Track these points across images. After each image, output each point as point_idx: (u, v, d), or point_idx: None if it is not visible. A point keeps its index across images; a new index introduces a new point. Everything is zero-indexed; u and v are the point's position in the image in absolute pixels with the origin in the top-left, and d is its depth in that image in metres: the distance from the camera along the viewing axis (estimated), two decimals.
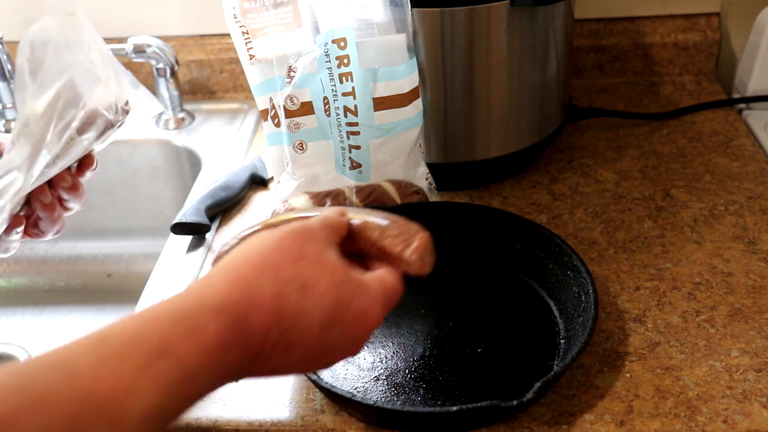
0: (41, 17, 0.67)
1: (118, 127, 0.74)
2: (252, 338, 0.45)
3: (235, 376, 0.46)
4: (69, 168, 0.72)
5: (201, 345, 0.42)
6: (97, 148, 0.74)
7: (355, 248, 0.58)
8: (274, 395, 0.71)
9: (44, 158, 0.67)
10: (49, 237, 0.74)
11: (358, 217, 0.58)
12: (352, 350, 0.52)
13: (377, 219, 0.57)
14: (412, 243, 0.56)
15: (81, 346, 0.39)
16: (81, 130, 0.70)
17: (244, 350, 0.45)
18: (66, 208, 0.73)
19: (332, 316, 0.49)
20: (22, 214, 0.71)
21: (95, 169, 0.74)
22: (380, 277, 0.54)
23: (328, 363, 0.52)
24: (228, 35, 0.85)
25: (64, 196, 0.72)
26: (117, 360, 0.39)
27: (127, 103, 0.74)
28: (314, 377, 0.66)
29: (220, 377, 0.44)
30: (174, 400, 0.40)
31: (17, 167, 0.66)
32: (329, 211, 0.57)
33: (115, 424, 0.37)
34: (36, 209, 0.70)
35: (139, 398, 0.38)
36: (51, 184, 0.71)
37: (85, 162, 0.73)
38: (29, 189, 0.68)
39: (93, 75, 0.70)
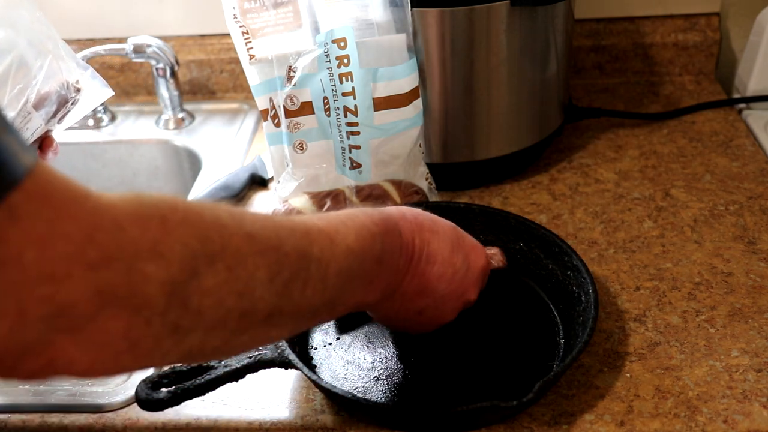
0: None
1: (72, 104, 0.78)
2: (404, 238, 0.59)
3: (396, 274, 0.59)
4: None
5: (371, 221, 0.57)
6: (57, 129, 0.77)
7: None
8: (274, 395, 0.71)
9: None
10: None
11: None
12: (471, 283, 0.65)
13: None
14: (494, 255, 0.75)
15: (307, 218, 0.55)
16: (37, 106, 0.73)
17: (398, 241, 0.59)
18: None
19: (455, 241, 0.63)
20: None
21: (56, 150, 0.79)
22: None
23: (456, 290, 0.64)
24: (228, 35, 0.85)
25: None
26: (327, 218, 0.55)
27: (77, 82, 0.77)
28: (314, 377, 0.66)
29: (386, 255, 0.57)
30: (364, 247, 0.54)
31: None
32: None
33: (331, 243, 0.52)
34: None
35: (344, 234, 0.53)
36: None
37: (45, 143, 0.78)
38: None
39: (40, 45, 0.73)
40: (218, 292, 0.43)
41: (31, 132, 0.74)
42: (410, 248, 0.60)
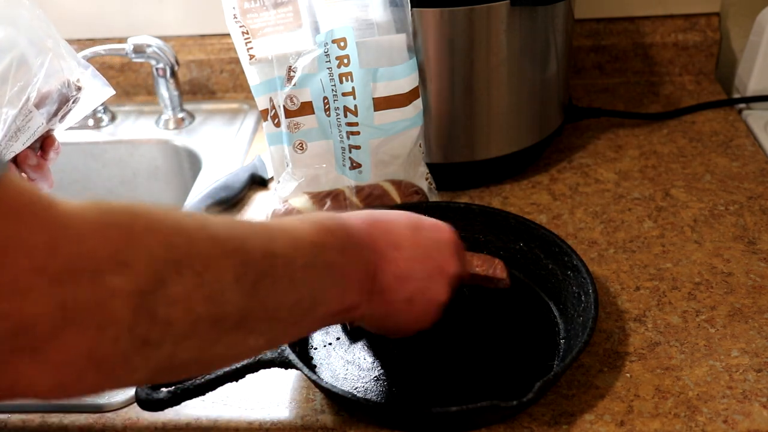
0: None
1: (73, 103, 0.78)
2: (358, 231, 0.58)
3: (366, 266, 0.58)
4: (33, 149, 0.76)
5: (322, 218, 0.57)
6: (58, 128, 0.77)
7: None
8: (274, 395, 0.71)
9: (3, 122, 0.71)
10: None
11: None
12: (447, 255, 0.63)
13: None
14: (497, 265, 0.75)
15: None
16: (38, 105, 0.73)
17: (354, 234, 0.58)
18: None
19: (413, 224, 0.63)
20: None
21: (58, 150, 0.79)
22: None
23: (435, 267, 0.62)
24: (228, 35, 0.85)
25: (31, 175, 0.76)
26: (282, 220, 0.60)
27: (78, 80, 0.78)
28: (314, 377, 0.66)
29: (348, 247, 0.57)
30: (323, 240, 0.54)
31: None
32: None
33: (292, 239, 0.52)
34: None
35: (302, 230, 0.53)
36: (16, 163, 0.74)
37: (47, 143, 0.78)
38: None
39: (40, 44, 0.74)
40: (187, 299, 0.42)
41: (32, 131, 0.75)
42: (370, 240, 0.59)
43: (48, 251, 0.36)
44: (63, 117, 0.78)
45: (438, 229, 0.65)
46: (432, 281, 0.63)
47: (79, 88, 0.78)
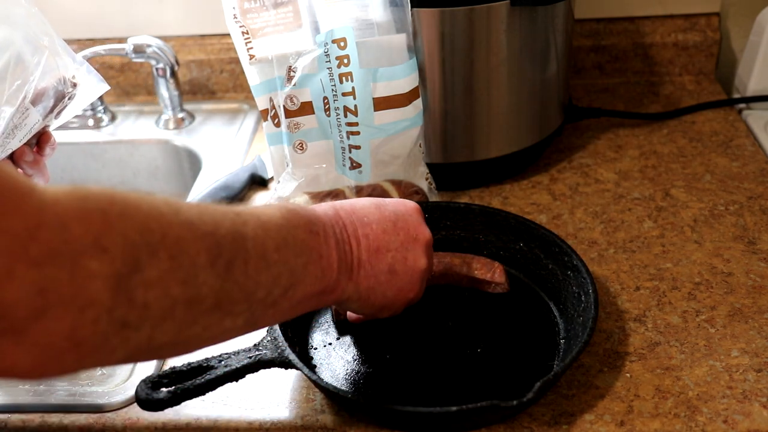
0: None
1: (69, 99, 0.79)
2: (323, 213, 0.60)
3: (338, 245, 0.59)
4: (29, 145, 0.77)
5: (285, 203, 0.59)
6: (54, 124, 0.78)
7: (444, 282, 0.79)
8: (274, 395, 0.71)
9: (2, 119, 0.72)
10: None
11: (445, 259, 0.79)
12: (416, 224, 0.66)
13: (461, 258, 0.79)
14: (496, 269, 0.79)
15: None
16: (34, 102, 0.75)
17: (320, 215, 0.59)
18: None
19: (376, 201, 0.65)
20: None
21: (53, 146, 0.80)
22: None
23: (407, 236, 0.64)
24: (228, 35, 0.85)
25: (28, 171, 0.77)
26: (249, 206, 0.55)
27: (74, 77, 0.79)
28: (314, 377, 0.66)
29: (316, 226, 0.58)
30: (291, 220, 0.56)
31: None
32: None
33: (261, 222, 0.53)
34: None
35: (270, 213, 0.55)
36: (13, 160, 0.76)
37: (43, 139, 0.79)
38: None
39: (36, 41, 0.75)
40: (162, 282, 0.44)
41: (29, 128, 0.75)
42: (338, 219, 0.61)
43: (28, 236, 0.37)
44: (59, 113, 0.79)
45: (401, 202, 0.67)
46: (408, 250, 0.64)
47: (74, 85, 0.79)
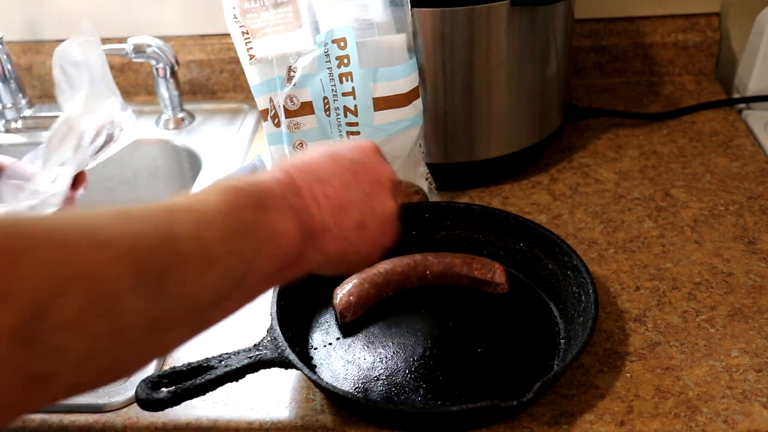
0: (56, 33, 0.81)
1: (113, 142, 0.82)
2: (273, 178, 0.55)
3: (298, 212, 0.54)
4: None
5: (228, 182, 0.53)
6: (92, 163, 0.81)
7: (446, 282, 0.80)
8: (274, 395, 0.71)
9: (83, 152, 0.76)
10: None
11: (445, 259, 0.80)
12: (376, 164, 0.60)
13: (461, 259, 0.80)
14: (496, 269, 0.79)
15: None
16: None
17: (268, 182, 0.54)
18: None
19: (329, 150, 0.60)
20: None
21: (86, 186, 0.81)
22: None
23: (369, 182, 0.59)
24: (228, 35, 0.85)
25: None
26: (185, 196, 0.51)
27: (121, 122, 0.83)
28: (314, 377, 0.66)
29: (266, 200, 0.53)
30: (233, 202, 0.50)
31: (66, 161, 0.76)
32: None
33: (196, 214, 0.48)
34: None
35: (206, 200, 0.50)
36: None
37: (79, 178, 0.80)
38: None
39: (106, 89, 0.80)
40: (79, 321, 0.38)
41: (77, 164, 0.78)
42: (291, 183, 0.55)
43: None
44: (100, 155, 0.82)
45: (355, 146, 0.62)
46: (374, 198, 0.59)
47: (122, 129, 0.82)
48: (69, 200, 0.78)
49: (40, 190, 0.75)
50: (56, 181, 0.75)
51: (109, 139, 0.80)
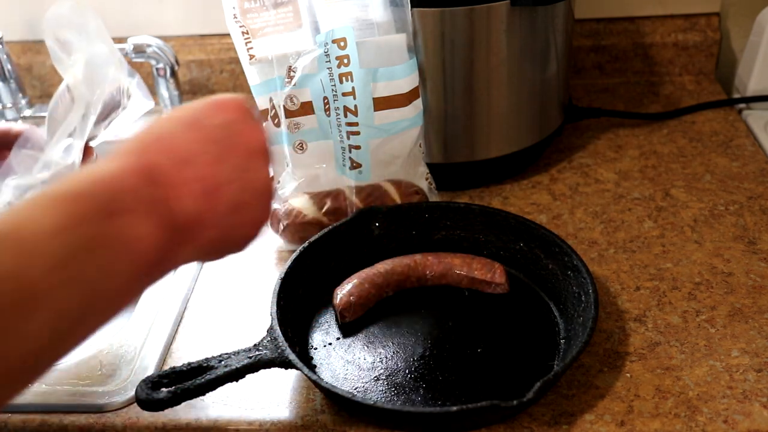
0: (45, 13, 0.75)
1: (121, 110, 0.77)
2: (119, 178, 0.46)
3: (156, 204, 0.46)
4: None
5: (70, 186, 0.44)
6: (101, 135, 0.77)
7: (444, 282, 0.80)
8: (274, 395, 0.71)
9: (91, 121, 0.71)
10: None
11: (445, 259, 0.80)
12: (240, 132, 0.51)
13: (461, 259, 0.80)
14: (496, 270, 0.79)
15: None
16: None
17: (120, 174, 0.46)
18: None
19: (190, 119, 0.51)
20: None
21: (96, 161, 0.75)
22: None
23: (237, 148, 0.51)
24: (228, 35, 0.85)
25: None
26: (17, 210, 0.42)
27: (128, 88, 0.78)
28: (314, 377, 0.66)
29: (116, 202, 0.44)
30: (73, 213, 0.42)
31: (75, 131, 0.72)
32: None
33: (20, 242, 0.40)
34: None
35: (40, 220, 0.41)
36: None
37: (86, 153, 0.75)
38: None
39: (109, 54, 0.75)
40: None
41: (88, 133, 0.74)
42: (148, 172, 0.47)
43: None
44: (108, 123, 0.78)
45: (218, 105, 0.52)
46: (247, 170, 0.51)
47: (129, 96, 0.78)
48: None
49: (52, 161, 0.71)
50: (68, 151, 0.72)
51: (116, 106, 0.76)
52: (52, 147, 0.72)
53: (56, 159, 0.71)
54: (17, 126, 0.74)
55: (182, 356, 0.75)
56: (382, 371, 0.71)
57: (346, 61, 0.80)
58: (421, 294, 0.80)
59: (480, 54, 0.88)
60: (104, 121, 0.77)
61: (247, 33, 0.84)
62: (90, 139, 0.76)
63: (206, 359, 0.66)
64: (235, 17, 0.84)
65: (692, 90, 1.17)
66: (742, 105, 1.12)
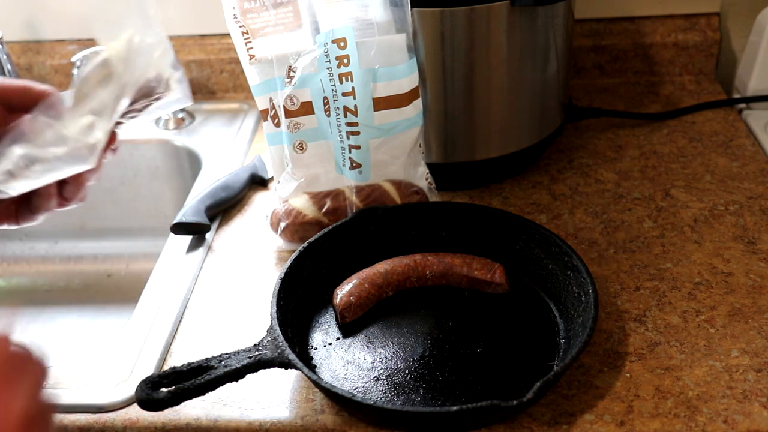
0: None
1: (154, 99, 0.71)
2: None
3: None
4: None
5: None
6: (127, 122, 0.70)
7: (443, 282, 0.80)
8: (274, 395, 0.71)
9: (123, 104, 0.65)
10: (74, 204, 0.68)
11: (445, 259, 0.80)
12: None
13: (461, 259, 0.80)
14: (496, 270, 0.79)
15: None
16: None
17: None
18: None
19: None
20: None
21: (116, 149, 0.69)
22: None
23: None
24: (228, 35, 0.85)
25: (87, 174, 0.67)
26: None
27: (169, 79, 0.72)
28: (314, 377, 0.66)
29: None
30: None
31: (104, 109, 0.65)
32: None
33: None
34: None
35: None
36: None
37: (110, 139, 0.68)
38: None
39: (155, 36, 0.70)
40: None
41: (117, 117, 0.67)
42: None
43: None
44: (139, 111, 0.70)
45: None
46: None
47: (168, 87, 0.70)
48: (97, 167, 0.66)
49: (69, 135, 0.63)
50: (90, 130, 0.64)
51: (149, 94, 0.69)
52: (74, 120, 0.64)
53: (75, 135, 0.64)
54: (40, 85, 0.66)
55: (182, 356, 0.76)
56: (382, 371, 0.71)
57: (346, 61, 0.80)
58: (421, 294, 0.80)
59: (480, 54, 0.88)
60: (138, 111, 0.69)
61: (247, 33, 0.84)
62: (117, 124, 0.69)
63: (206, 359, 0.66)
64: (235, 17, 0.84)
65: (692, 90, 1.17)
66: (742, 105, 1.12)
